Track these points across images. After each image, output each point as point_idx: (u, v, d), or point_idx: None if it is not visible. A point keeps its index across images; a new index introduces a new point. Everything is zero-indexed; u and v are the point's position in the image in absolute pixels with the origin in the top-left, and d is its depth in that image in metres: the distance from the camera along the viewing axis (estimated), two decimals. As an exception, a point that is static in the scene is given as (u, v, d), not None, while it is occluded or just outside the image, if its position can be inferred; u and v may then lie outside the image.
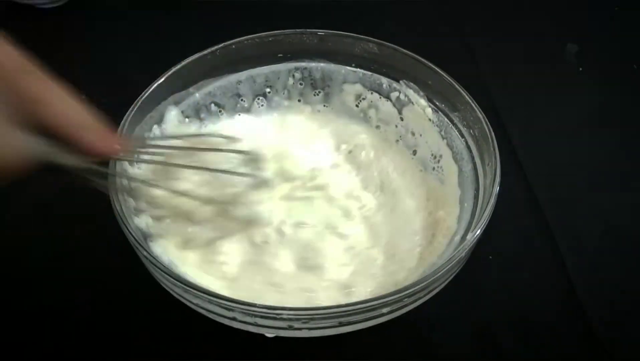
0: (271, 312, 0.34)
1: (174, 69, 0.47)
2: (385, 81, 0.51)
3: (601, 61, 0.64)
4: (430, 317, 0.44)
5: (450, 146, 0.48)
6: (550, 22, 0.68)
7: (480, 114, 0.44)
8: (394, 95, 0.51)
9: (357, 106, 0.53)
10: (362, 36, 0.50)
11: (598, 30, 0.67)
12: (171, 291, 0.38)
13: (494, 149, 0.42)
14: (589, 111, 0.60)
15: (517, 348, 0.43)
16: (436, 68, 0.48)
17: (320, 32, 0.51)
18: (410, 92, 0.50)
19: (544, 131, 0.58)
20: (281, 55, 0.51)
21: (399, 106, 0.51)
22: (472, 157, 0.45)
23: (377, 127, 0.52)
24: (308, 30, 0.50)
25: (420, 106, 0.49)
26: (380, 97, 0.52)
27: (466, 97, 0.46)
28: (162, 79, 0.46)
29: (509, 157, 0.54)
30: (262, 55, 0.51)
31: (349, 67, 0.52)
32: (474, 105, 0.45)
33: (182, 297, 0.37)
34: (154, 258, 0.36)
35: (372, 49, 0.50)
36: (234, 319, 0.36)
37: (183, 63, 0.47)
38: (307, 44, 0.51)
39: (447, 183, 0.47)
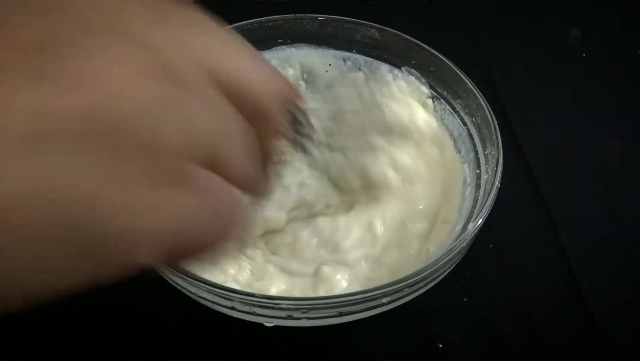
0: (270, 302, 0.34)
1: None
2: (386, 68, 0.51)
3: (605, 47, 0.63)
4: (431, 306, 0.43)
5: (451, 134, 0.47)
6: (554, 7, 0.67)
7: (482, 102, 0.44)
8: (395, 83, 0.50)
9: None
10: (363, 21, 0.49)
11: (602, 15, 0.66)
12: (169, 280, 0.37)
13: (497, 137, 0.42)
14: (592, 97, 0.59)
15: (518, 336, 0.43)
16: (438, 54, 0.47)
17: (321, 17, 0.50)
18: (412, 80, 0.49)
19: (547, 117, 0.57)
20: (281, 40, 0.51)
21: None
22: (474, 146, 0.45)
23: None
24: (308, 15, 0.50)
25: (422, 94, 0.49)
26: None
27: (468, 84, 0.45)
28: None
29: (511, 144, 0.53)
30: (260, 41, 0.50)
31: (350, 54, 0.51)
32: (476, 92, 0.44)
33: (181, 286, 0.37)
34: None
35: (374, 34, 0.50)
36: (232, 308, 0.36)
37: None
38: (308, 30, 0.50)
39: (448, 171, 0.47)
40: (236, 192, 0.22)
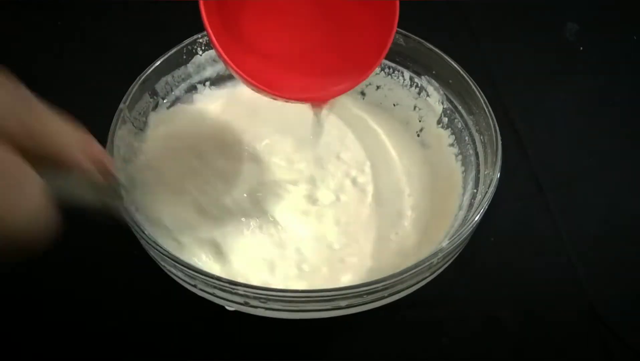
0: (228, 286, 0.35)
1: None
2: (407, 75, 0.50)
3: (602, 39, 0.62)
4: (434, 300, 0.43)
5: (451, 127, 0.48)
6: (550, 2, 0.65)
7: (492, 122, 0.43)
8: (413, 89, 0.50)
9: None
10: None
11: (597, 8, 0.65)
12: (146, 247, 0.39)
13: (496, 133, 0.42)
14: (591, 90, 0.58)
15: (519, 327, 0.43)
16: (458, 68, 0.46)
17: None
18: (431, 89, 0.49)
19: (546, 112, 0.56)
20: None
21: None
22: (474, 141, 0.45)
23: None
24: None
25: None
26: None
27: (482, 101, 0.44)
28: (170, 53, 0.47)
29: (512, 137, 0.52)
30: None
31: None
32: (487, 112, 0.44)
33: (155, 258, 0.38)
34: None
35: (398, 40, 0.49)
36: (195, 286, 0.37)
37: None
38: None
39: (449, 165, 0.47)
40: None
